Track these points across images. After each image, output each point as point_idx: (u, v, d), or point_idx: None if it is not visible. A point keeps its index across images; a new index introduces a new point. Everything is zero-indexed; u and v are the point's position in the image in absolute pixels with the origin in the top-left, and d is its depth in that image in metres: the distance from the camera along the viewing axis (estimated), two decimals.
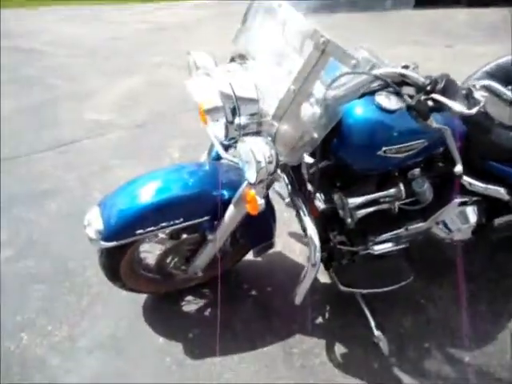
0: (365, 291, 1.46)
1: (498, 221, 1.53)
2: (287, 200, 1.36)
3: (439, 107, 0.97)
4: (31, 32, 6.43)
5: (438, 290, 1.69)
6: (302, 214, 1.23)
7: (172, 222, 1.28)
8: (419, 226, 1.48)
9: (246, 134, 1.09)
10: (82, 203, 2.29)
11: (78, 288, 1.76)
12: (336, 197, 1.31)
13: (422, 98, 0.98)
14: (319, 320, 1.59)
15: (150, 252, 1.54)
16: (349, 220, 1.30)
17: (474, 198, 1.49)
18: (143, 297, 1.68)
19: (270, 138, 1.02)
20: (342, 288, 1.42)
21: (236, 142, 1.14)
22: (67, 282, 1.80)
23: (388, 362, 1.43)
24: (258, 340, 1.52)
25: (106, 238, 1.24)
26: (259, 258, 1.75)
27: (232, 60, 1.20)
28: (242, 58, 1.19)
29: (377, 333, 1.48)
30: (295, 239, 1.96)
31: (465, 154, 1.30)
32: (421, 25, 6.32)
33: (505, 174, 1.43)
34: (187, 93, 1.33)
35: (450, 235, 1.54)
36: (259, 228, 1.50)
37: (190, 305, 1.67)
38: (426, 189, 1.34)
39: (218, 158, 1.47)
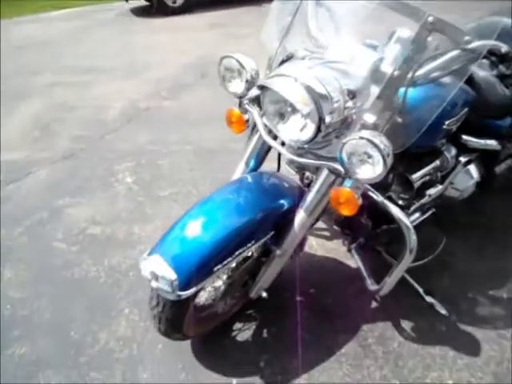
0: (413, 265, 1.50)
1: (497, 169, 1.74)
2: None
3: None
4: None
5: (455, 245, 1.81)
6: (376, 198, 1.20)
7: (245, 247, 1.15)
8: (438, 190, 1.59)
9: (330, 133, 1.02)
10: (43, 263, 1.88)
11: (100, 360, 1.46)
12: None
13: None
14: (373, 304, 1.60)
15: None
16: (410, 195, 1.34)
17: (475, 155, 1.66)
18: (184, 343, 1.47)
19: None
20: None
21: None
22: (82, 357, 1.47)
23: (451, 320, 1.52)
24: (331, 344, 1.46)
25: (185, 287, 1.05)
26: None
27: (283, 61, 1.10)
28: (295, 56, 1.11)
29: (428, 298, 1.57)
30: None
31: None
32: None
33: (497, 128, 1.62)
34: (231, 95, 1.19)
35: (461, 194, 1.69)
36: None
37: (243, 332, 1.52)
38: (454, 155, 1.45)
39: (256, 168, 1.35)
